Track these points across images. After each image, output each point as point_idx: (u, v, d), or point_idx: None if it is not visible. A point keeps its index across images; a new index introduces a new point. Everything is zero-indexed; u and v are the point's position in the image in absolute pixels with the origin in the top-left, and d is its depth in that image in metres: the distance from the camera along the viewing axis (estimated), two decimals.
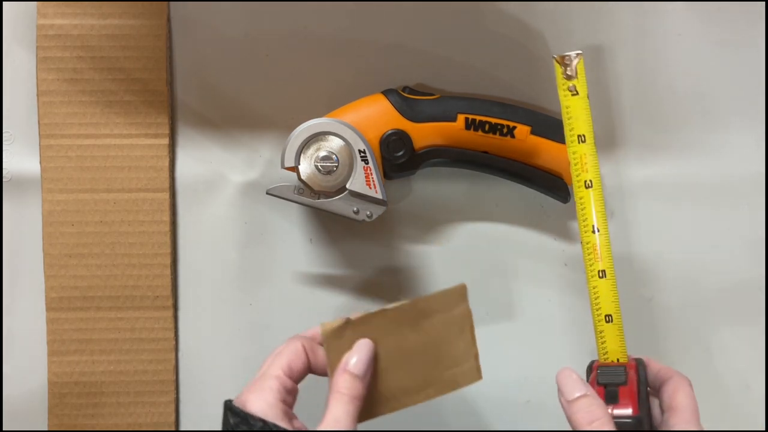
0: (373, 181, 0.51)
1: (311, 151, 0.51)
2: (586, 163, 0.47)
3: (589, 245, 0.47)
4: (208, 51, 0.55)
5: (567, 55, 0.48)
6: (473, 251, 0.57)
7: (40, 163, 0.55)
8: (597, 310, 0.47)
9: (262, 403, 0.42)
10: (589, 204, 0.47)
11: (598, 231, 0.47)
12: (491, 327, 0.57)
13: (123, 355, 0.56)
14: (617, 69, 0.56)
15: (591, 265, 0.47)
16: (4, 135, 0.55)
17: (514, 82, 0.55)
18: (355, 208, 0.52)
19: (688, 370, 0.46)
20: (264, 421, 0.41)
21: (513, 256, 0.57)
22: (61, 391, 0.55)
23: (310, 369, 0.46)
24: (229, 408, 0.43)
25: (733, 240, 0.57)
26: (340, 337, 0.45)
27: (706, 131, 0.56)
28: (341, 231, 0.57)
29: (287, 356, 0.45)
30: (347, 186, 0.51)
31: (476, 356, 0.47)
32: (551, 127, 0.52)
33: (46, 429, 0.56)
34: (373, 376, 0.45)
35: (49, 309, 0.55)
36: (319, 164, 0.51)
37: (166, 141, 0.55)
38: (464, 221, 0.57)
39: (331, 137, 0.51)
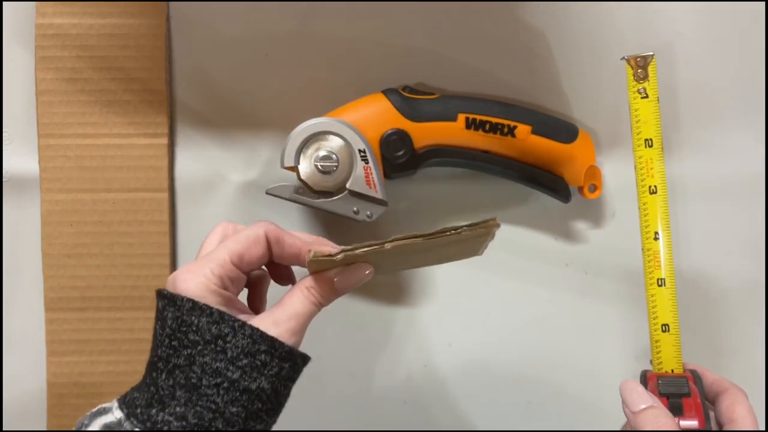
0: (373, 180, 0.51)
1: (311, 150, 0.51)
2: (652, 168, 0.46)
3: (650, 252, 0.45)
4: (208, 51, 0.55)
5: (639, 57, 0.46)
6: None
7: (39, 162, 0.54)
8: (654, 319, 0.45)
9: (192, 285, 0.36)
10: (653, 210, 0.46)
11: (661, 238, 0.45)
12: (492, 327, 0.57)
13: (122, 355, 0.55)
14: (617, 68, 0.55)
15: (650, 273, 0.45)
16: (3, 135, 0.55)
17: (515, 82, 0.55)
18: (355, 208, 0.52)
19: None
20: (194, 302, 0.35)
21: (513, 256, 0.57)
22: (60, 391, 0.55)
23: (270, 259, 0.40)
24: (158, 293, 0.37)
25: (733, 240, 0.56)
26: (327, 267, 0.40)
27: (705, 131, 0.56)
28: (341, 231, 0.56)
29: (242, 244, 0.38)
30: (347, 186, 0.51)
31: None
32: (552, 127, 0.52)
33: (45, 429, 0.56)
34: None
35: (47, 309, 0.55)
36: (318, 164, 0.51)
37: (165, 141, 0.55)
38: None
39: (331, 137, 0.51)
